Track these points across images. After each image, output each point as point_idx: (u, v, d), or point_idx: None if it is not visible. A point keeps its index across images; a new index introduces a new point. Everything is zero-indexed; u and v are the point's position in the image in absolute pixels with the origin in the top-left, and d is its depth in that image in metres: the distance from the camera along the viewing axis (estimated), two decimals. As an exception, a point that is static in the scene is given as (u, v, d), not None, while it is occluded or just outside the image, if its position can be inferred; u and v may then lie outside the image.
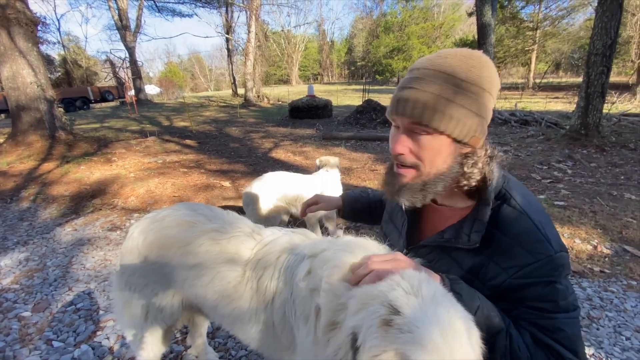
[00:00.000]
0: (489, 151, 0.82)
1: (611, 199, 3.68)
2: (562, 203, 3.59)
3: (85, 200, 4.13)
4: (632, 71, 16.01)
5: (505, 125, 8.72)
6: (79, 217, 3.69)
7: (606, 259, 2.59)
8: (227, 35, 24.52)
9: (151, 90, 32.44)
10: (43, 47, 26.12)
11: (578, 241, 2.83)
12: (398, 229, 1.02)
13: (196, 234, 1.08)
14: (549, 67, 34.07)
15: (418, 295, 0.58)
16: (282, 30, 45.91)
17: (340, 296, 0.69)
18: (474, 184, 0.81)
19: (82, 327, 2.00)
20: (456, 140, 0.76)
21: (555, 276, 0.74)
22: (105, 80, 29.64)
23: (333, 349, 0.65)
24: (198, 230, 1.08)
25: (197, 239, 1.06)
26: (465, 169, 0.79)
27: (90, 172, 5.01)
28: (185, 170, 5.27)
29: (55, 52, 30.91)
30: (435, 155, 0.77)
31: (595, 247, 2.73)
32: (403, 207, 0.97)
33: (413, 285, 0.60)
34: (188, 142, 7.85)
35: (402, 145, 0.78)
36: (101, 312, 2.15)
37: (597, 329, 1.93)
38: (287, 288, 0.87)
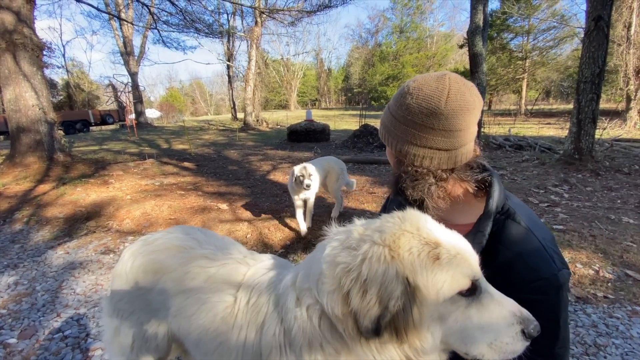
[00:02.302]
0: (426, 179, 0.86)
1: (609, 222, 3.68)
2: (561, 227, 3.58)
3: (79, 222, 4.07)
4: (621, 98, 16.52)
5: (500, 150, 8.85)
6: (72, 240, 3.61)
7: (609, 284, 2.55)
8: (228, 63, 25.26)
9: (152, 113, 32.93)
10: (47, 71, 26.75)
11: (580, 266, 2.80)
12: None
13: (184, 259, 1.02)
14: (540, 94, 35.13)
15: (432, 225, 0.70)
16: (282, 58, 47.42)
17: (349, 248, 0.68)
18: (413, 198, 0.88)
19: (69, 356, 1.91)
20: (394, 154, 0.92)
21: (559, 294, 0.76)
22: (107, 103, 30.14)
23: (370, 308, 0.61)
24: (187, 256, 1.03)
25: (185, 265, 1.01)
26: (404, 180, 0.88)
27: (86, 194, 4.97)
28: (183, 192, 5.25)
29: (59, 77, 31.63)
30: (390, 160, 0.98)
31: (597, 272, 2.70)
32: None
33: (421, 220, 0.71)
34: (186, 164, 7.88)
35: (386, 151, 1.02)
36: (89, 340, 2.06)
37: (605, 357, 1.87)
38: (279, 326, 0.79)
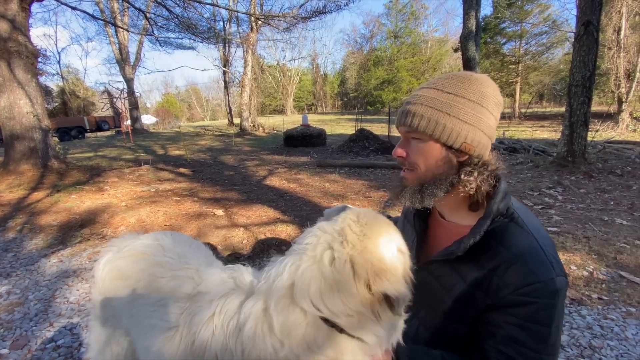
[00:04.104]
0: (491, 167, 0.85)
1: (603, 224, 3.72)
2: (555, 229, 3.61)
3: (73, 230, 4.03)
4: (613, 101, 16.77)
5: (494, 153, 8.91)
6: (65, 248, 3.58)
7: (603, 286, 2.57)
8: (224, 69, 25.33)
9: (147, 119, 32.82)
10: (42, 78, 26.65)
11: (574, 267, 2.82)
12: (408, 245, 1.05)
13: (142, 266, 1.00)
14: (533, 97, 35.52)
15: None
16: (278, 64, 47.72)
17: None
18: (471, 192, 0.84)
19: (62, 366, 1.88)
20: (447, 146, 0.83)
21: (554, 299, 0.76)
22: (102, 110, 30.06)
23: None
24: (146, 263, 1.00)
25: (141, 272, 0.99)
26: (462, 176, 0.84)
27: (80, 201, 4.93)
28: (178, 198, 5.23)
29: (53, 84, 31.53)
30: (427, 158, 0.85)
31: (591, 274, 2.72)
32: (413, 225, 1.03)
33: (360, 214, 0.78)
34: (182, 170, 7.85)
35: (401, 150, 0.89)
36: (82, 349, 2.03)
37: (600, 359, 1.88)
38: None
